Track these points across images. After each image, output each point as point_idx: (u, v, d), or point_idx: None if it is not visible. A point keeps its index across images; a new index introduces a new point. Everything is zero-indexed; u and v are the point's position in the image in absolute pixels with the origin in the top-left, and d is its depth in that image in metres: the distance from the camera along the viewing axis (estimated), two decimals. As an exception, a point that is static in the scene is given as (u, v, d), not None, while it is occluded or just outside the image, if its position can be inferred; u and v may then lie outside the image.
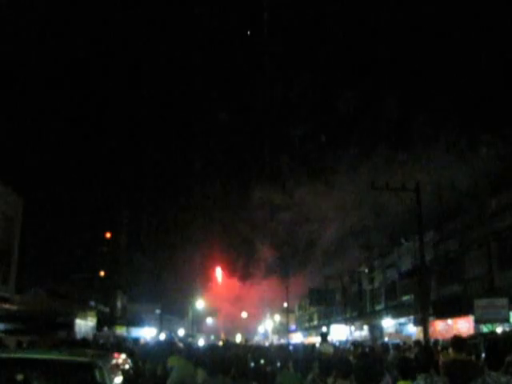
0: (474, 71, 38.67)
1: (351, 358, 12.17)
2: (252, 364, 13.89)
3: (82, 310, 34.23)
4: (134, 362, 12.71)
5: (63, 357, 6.98)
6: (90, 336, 30.62)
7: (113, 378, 6.81)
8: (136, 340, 32.31)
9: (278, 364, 11.14)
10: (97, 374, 6.52)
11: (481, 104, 33.94)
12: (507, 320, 20.83)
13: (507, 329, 21.17)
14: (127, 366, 9.09)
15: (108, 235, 44.32)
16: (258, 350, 18.99)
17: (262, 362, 14.08)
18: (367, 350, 19.08)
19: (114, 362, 7.93)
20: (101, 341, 27.30)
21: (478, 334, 20.56)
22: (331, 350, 17.34)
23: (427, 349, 17.83)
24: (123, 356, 9.29)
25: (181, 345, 25.29)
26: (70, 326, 28.78)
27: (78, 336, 27.87)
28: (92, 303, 38.48)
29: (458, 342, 9.31)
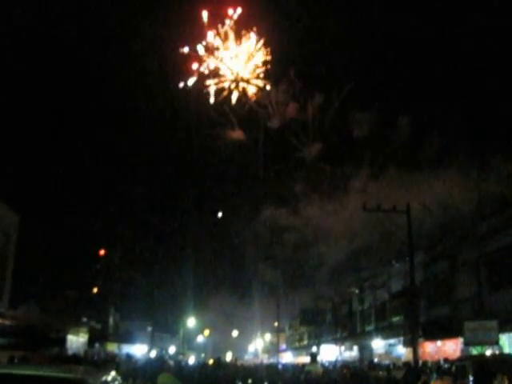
0: (471, 94, 39.21)
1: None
2: (240, 384, 13.87)
3: (75, 325, 34.11)
4: (123, 379, 12.65)
5: (53, 373, 6.94)
6: (82, 352, 30.52)
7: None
8: (130, 357, 32.18)
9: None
10: None
11: (474, 131, 34.33)
12: (497, 342, 20.88)
13: (497, 351, 21.24)
14: (117, 383, 9.08)
15: (102, 252, 44.26)
16: (247, 371, 18.98)
17: (250, 382, 14.09)
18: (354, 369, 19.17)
19: (103, 378, 7.92)
20: (94, 357, 27.24)
21: (466, 357, 20.61)
22: (320, 370, 17.40)
23: (414, 370, 17.97)
24: (113, 373, 9.29)
25: (171, 363, 25.23)
26: (62, 342, 28.71)
27: (70, 352, 27.79)
28: (84, 319, 38.33)
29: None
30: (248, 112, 44.11)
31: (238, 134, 46.20)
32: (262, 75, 42.82)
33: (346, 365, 26.94)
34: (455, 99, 42.88)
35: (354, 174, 40.26)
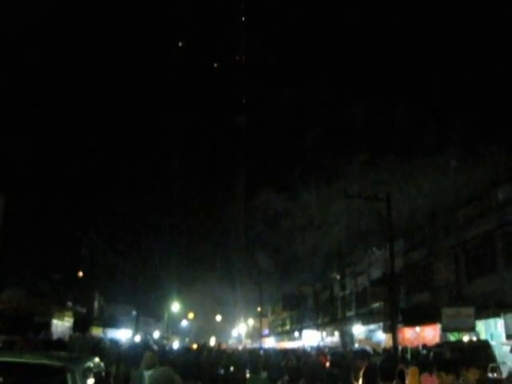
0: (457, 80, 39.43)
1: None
2: (222, 371, 14.05)
3: (60, 310, 34.10)
4: (107, 365, 12.77)
5: (35, 360, 7.02)
6: (66, 337, 30.59)
7: (85, 382, 6.91)
8: (114, 342, 32.25)
9: (248, 371, 11.36)
10: (69, 378, 6.59)
11: (455, 119, 34.64)
12: (473, 329, 21.34)
13: (474, 337, 21.70)
14: (100, 369, 9.18)
15: (87, 236, 44.14)
16: (229, 357, 19.15)
17: (232, 369, 14.28)
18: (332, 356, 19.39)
19: (86, 365, 8.00)
20: (77, 342, 27.26)
21: (443, 343, 21.03)
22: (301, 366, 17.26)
23: (391, 358, 18.30)
24: (96, 359, 9.40)
25: (155, 347, 25.31)
26: (47, 326, 28.72)
27: (55, 336, 27.82)
28: (69, 304, 38.30)
29: None
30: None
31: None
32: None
33: (322, 352, 27.09)
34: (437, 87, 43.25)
35: (339, 161, 40.55)
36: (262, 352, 29.80)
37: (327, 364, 13.39)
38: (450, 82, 39.09)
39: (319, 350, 30.71)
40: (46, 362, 6.99)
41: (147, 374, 9.19)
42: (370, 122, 42.30)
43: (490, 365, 12.69)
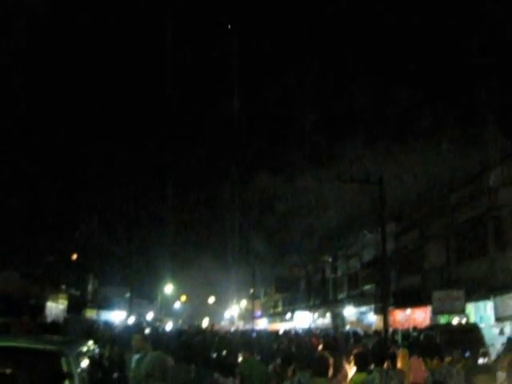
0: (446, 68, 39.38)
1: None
2: (214, 355, 14.15)
3: (54, 292, 34.19)
4: (100, 347, 12.81)
5: (29, 344, 7.01)
6: (61, 319, 30.73)
7: (80, 366, 6.95)
8: (109, 324, 32.39)
9: (241, 354, 11.44)
10: (63, 362, 6.61)
11: (447, 102, 34.68)
12: (463, 311, 21.60)
13: (463, 320, 21.97)
14: (94, 353, 9.21)
15: (81, 219, 44.08)
16: (221, 341, 19.27)
17: (224, 352, 14.39)
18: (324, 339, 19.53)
19: (80, 349, 8.02)
20: (71, 324, 27.38)
21: (433, 325, 21.29)
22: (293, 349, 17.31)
23: (383, 342, 18.48)
24: (90, 342, 9.44)
25: (147, 330, 25.44)
26: (41, 309, 28.84)
27: (49, 319, 27.94)
28: (63, 286, 38.40)
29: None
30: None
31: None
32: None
33: (314, 334, 27.31)
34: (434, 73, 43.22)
35: (332, 144, 40.66)
36: (254, 334, 30.01)
37: (320, 346, 13.53)
38: (442, 66, 39.01)
39: (311, 332, 30.96)
40: (39, 346, 7.01)
41: (135, 357, 9.20)
42: (363, 105, 42.32)
43: (481, 350, 12.87)
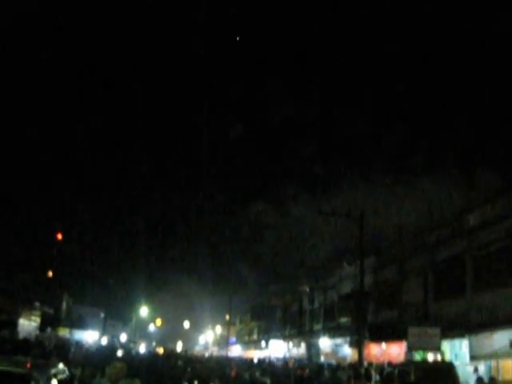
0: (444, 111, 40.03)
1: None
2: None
3: (27, 309, 33.76)
4: (72, 368, 12.60)
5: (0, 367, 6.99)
6: (33, 336, 30.26)
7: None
8: (79, 344, 31.96)
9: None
10: None
11: (432, 143, 35.24)
12: (438, 348, 21.61)
13: (438, 357, 21.98)
14: (64, 375, 9.10)
15: (59, 237, 43.59)
16: (194, 371, 19.07)
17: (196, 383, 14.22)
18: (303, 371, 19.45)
19: (51, 371, 7.96)
20: (45, 343, 27.00)
21: (408, 361, 21.25)
22: (268, 381, 17.52)
23: (358, 375, 18.45)
24: (61, 365, 9.32)
25: (119, 352, 25.09)
26: (14, 325, 28.46)
27: (21, 335, 27.56)
28: (37, 304, 37.95)
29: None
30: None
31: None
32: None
33: (300, 365, 27.12)
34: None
35: (317, 180, 41.01)
36: (231, 363, 29.73)
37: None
38: (427, 106, 39.76)
39: (286, 362, 30.79)
40: (10, 369, 6.96)
41: None
42: (349, 144, 42.90)
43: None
